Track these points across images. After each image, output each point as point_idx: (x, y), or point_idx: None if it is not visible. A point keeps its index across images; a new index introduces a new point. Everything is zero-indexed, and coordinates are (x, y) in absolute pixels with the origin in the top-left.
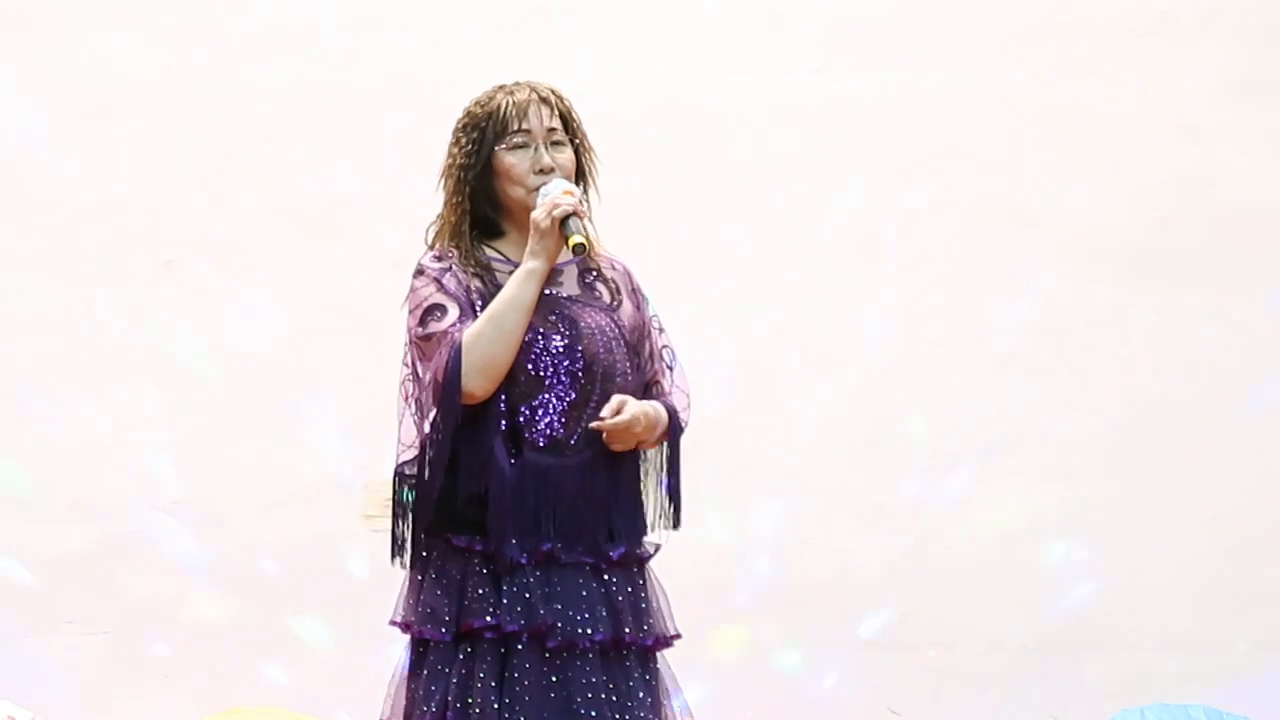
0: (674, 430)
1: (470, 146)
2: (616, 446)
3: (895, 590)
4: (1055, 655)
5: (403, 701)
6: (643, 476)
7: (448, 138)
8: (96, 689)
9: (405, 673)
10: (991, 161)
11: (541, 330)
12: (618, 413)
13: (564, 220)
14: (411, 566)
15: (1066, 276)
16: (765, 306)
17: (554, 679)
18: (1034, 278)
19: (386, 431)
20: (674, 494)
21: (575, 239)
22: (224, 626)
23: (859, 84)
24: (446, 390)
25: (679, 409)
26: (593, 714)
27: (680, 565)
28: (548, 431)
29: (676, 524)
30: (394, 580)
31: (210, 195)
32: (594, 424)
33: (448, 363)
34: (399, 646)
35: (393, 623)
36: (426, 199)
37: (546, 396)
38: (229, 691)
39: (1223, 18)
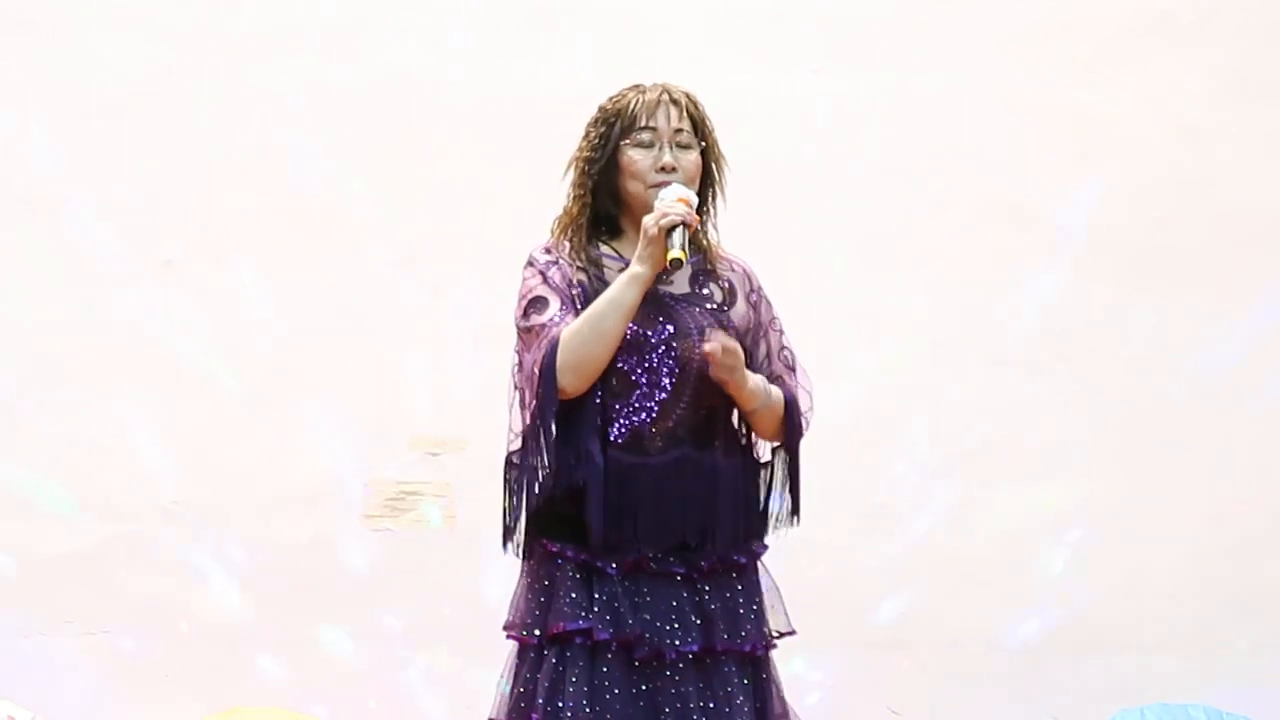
0: (791, 423)
1: (597, 140)
2: (717, 372)
3: (895, 590)
4: (1055, 655)
5: (504, 706)
6: (764, 479)
7: (449, 138)
8: (96, 689)
9: (507, 675)
10: (991, 161)
11: (638, 327)
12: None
13: (670, 230)
14: (522, 570)
15: (1066, 276)
16: None
17: (643, 688)
18: (1034, 278)
19: (386, 431)
20: (793, 489)
21: (672, 253)
22: (223, 626)
23: (859, 84)
24: (544, 385)
25: (803, 409)
26: None
27: None
28: (627, 426)
29: (795, 520)
30: (393, 581)
31: (210, 195)
32: (705, 347)
33: (545, 357)
34: (401, 647)
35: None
36: (426, 199)
37: (636, 395)
38: (229, 691)
39: (1223, 18)
